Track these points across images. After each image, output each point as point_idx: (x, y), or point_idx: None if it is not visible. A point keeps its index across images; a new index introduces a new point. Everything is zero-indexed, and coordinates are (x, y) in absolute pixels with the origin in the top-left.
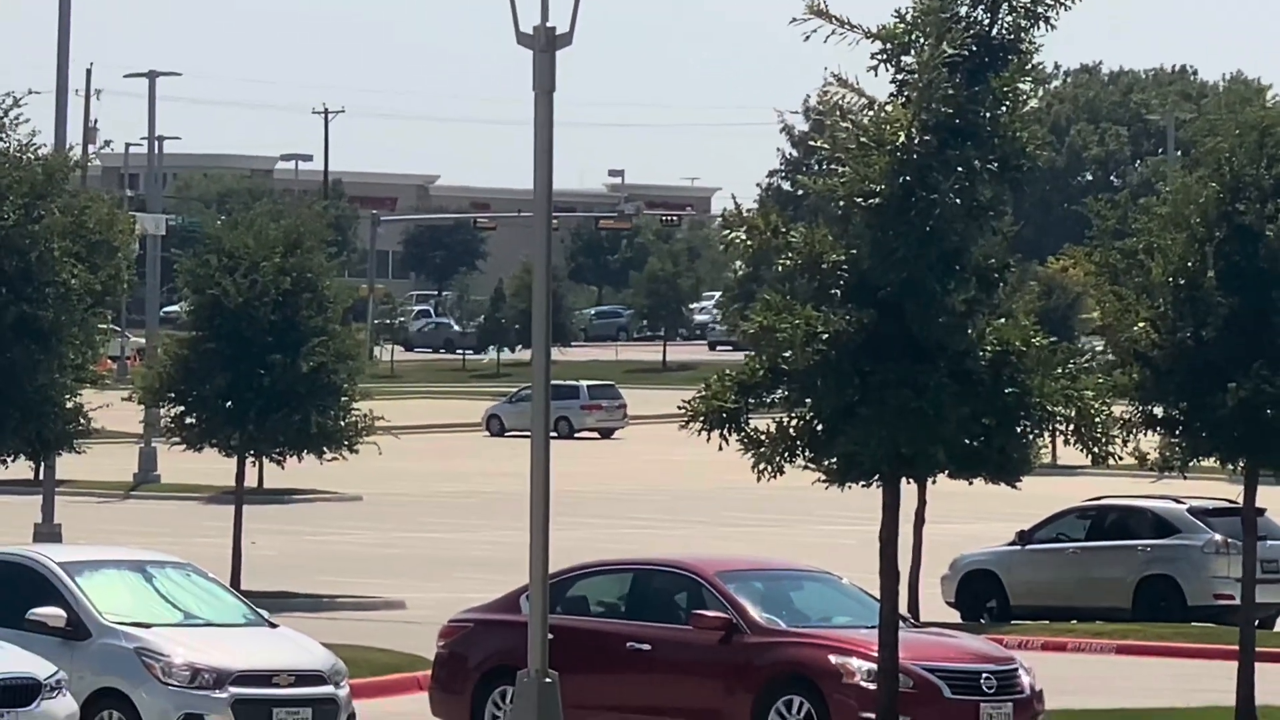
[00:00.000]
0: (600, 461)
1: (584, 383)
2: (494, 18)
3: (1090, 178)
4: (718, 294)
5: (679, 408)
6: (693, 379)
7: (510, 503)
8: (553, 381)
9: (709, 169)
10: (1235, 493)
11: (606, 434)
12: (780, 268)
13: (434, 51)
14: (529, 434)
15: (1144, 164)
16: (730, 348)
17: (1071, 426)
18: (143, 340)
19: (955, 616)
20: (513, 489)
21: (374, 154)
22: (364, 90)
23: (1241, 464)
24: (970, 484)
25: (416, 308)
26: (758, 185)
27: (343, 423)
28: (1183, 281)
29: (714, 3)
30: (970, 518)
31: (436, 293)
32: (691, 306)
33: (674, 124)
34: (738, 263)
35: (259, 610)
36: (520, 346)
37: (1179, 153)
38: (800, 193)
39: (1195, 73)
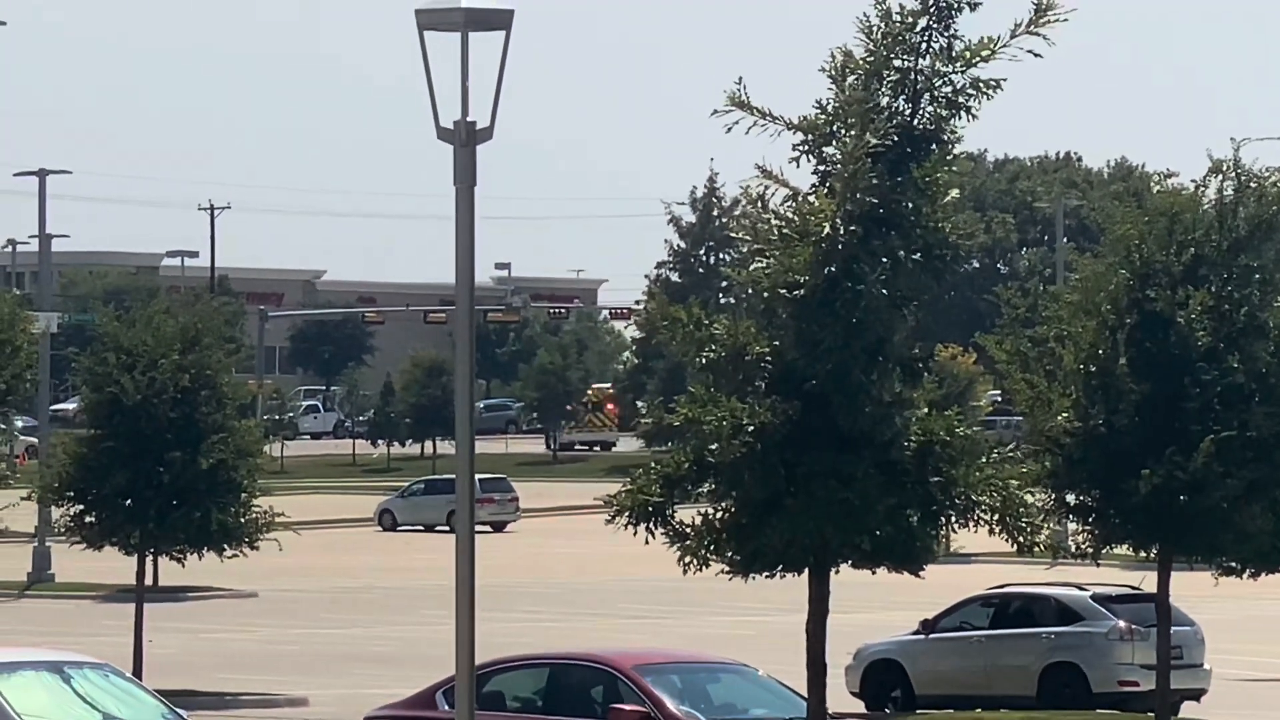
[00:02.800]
0: (494, 555)
1: (476, 476)
2: (382, 112)
3: (977, 265)
4: (606, 385)
5: (601, 501)
6: (584, 470)
7: (405, 597)
8: (445, 475)
9: (595, 261)
10: (1132, 579)
11: (499, 527)
12: (704, 360)
13: (320, 147)
14: (422, 528)
15: (1031, 251)
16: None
17: (996, 515)
18: (33, 439)
19: (859, 706)
20: (407, 584)
21: (260, 249)
22: (251, 186)
23: (1155, 550)
24: (873, 573)
25: (305, 403)
26: (645, 277)
27: (243, 519)
28: (1094, 368)
29: (596, 93)
30: (871, 607)
31: (325, 387)
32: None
33: (559, 216)
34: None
35: (177, 710)
36: (410, 440)
37: (1066, 240)
38: (695, 284)
39: (1080, 160)
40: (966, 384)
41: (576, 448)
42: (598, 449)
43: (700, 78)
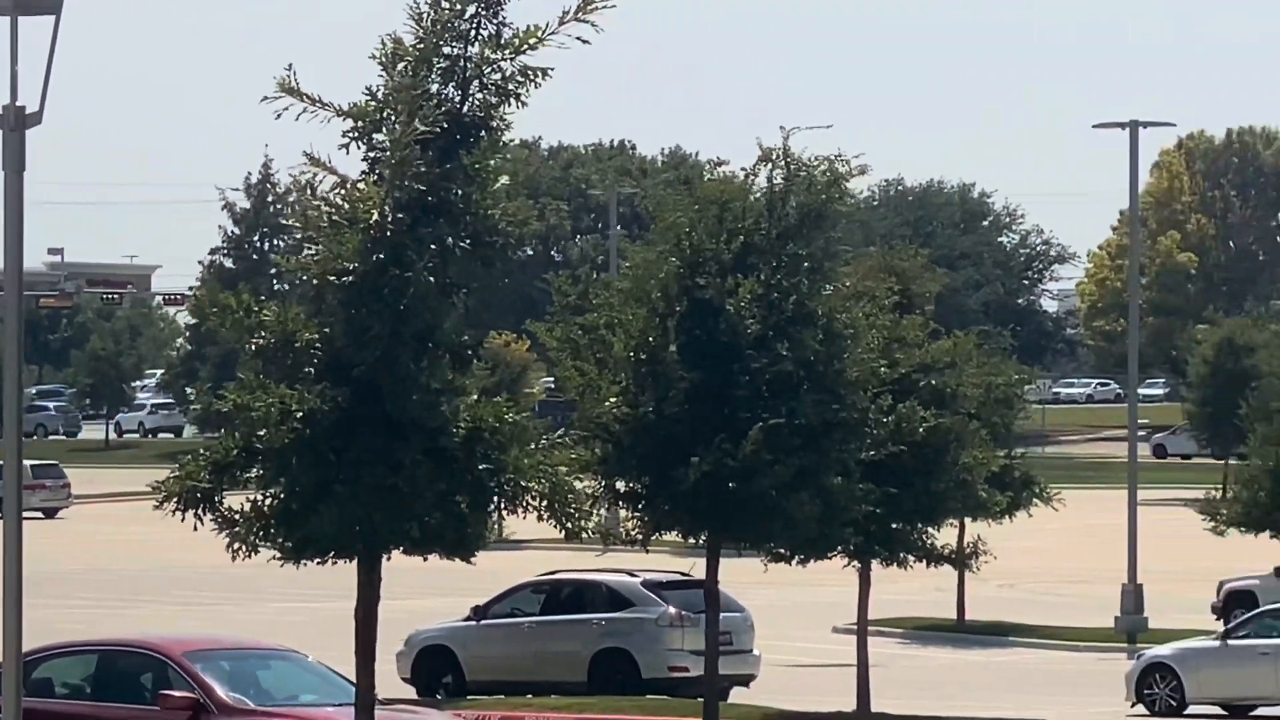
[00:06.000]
0: (46, 541)
1: (27, 462)
2: None
3: (531, 252)
4: (159, 372)
5: (150, 487)
6: (136, 458)
7: None
8: None
9: (151, 247)
10: (684, 566)
11: (50, 514)
12: (253, 346)
13: None
14: None
15: (585, 238)
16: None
17: (544, 502)
18: None
19: (411, 692)
20: None
21: None
22: None
23: (704, 537)
24: (425, 559)
25: None
26: (200, 263)
27: None
28: (644, 356)
29: (155, 76)
30: (425, 593)
31: None
32: (134, 384)
33: (113, 201)
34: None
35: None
36: None
37: (621, 228)
38: (250, 270)
39: (634, 148)
40: (520, 371)
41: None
42: (170, 435)
43: (258, 63)
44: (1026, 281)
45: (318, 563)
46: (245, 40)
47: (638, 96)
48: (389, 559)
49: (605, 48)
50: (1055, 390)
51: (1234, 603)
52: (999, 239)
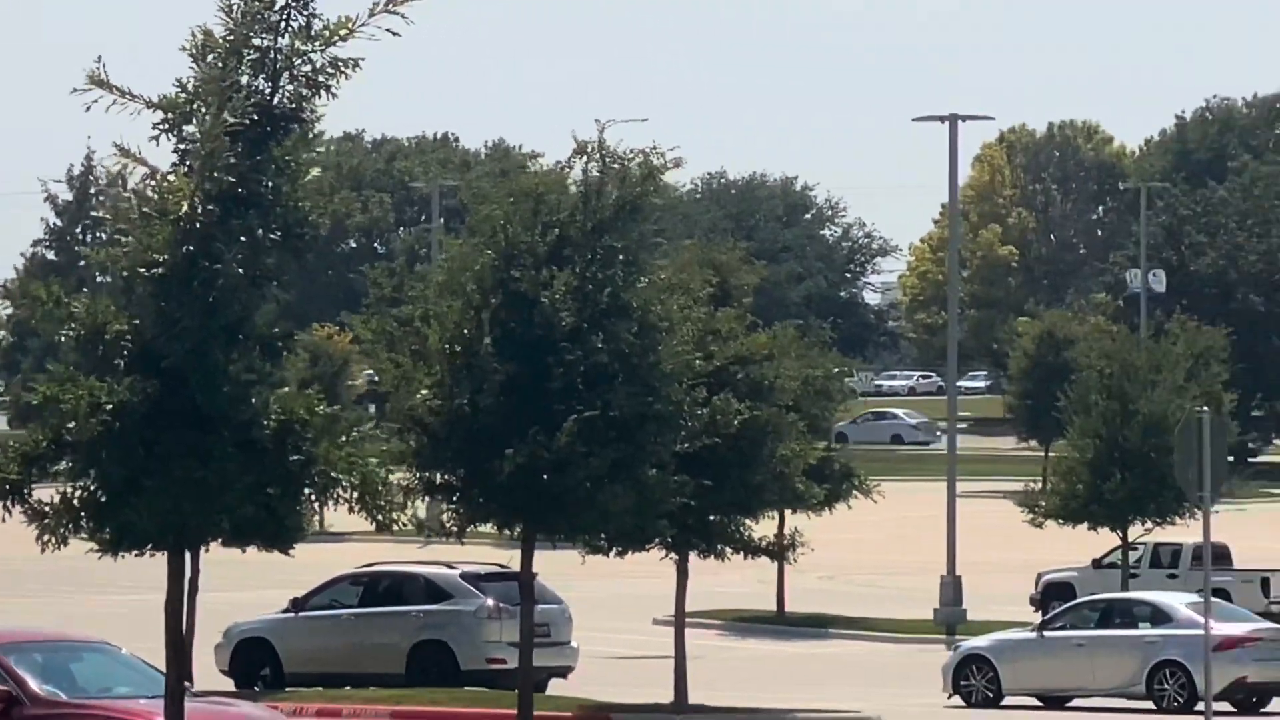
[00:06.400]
0: None
1: None
2: None
3: (354, 245)
4: None
5: None
6: None
7: None
8: None
9: None
10: (507, 558)
11: None
12: (64, 338)
13: None
14: None
15: (408, 231)
16: None
17: (355, 494)
18: None
19: (229, 684)
20: None
21: None
22: None
23: (519, 529)
24: (244, 552)
25: None
26: (21, 255)
27: None
28: (459, 348)
29: None
30: (243, 585)
31: None
32: None
33: None
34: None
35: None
36: None
37: (442, 220)
38: (71, 262)
39: (458, 140)
40: (342, 363)
41: None
42: None
43: (81, 53)
44: (849, 274)
45: (135, 555)
46: (67, 30)
47: (461, 89)
48: (208, 551)
49: (430, 40)
50: (877, 383)
51: (1052, 594)
52: (821, 232)
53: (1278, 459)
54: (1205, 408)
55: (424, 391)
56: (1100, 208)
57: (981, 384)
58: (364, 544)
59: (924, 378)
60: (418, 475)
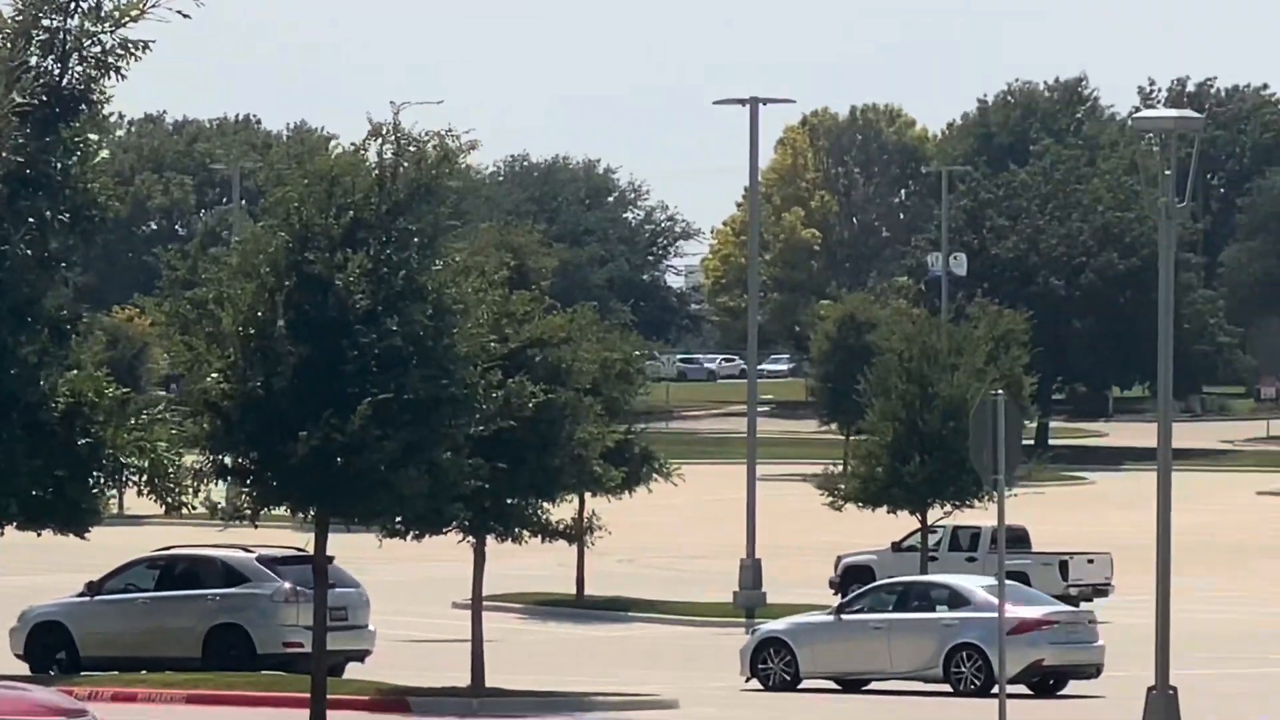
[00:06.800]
0: None
1: None
2: None
3: (155, 227)
4: None
5: None
6: None
7: None
8: None
9: None
10: (304, 541)
11: None
12: None
13: None
14: None
15: (209, 213)
16: None
17: (144, 477)
18: None
19: (24, 669)
20: None
21: None
22: None
23: (313, 512)
24: (39, 535)
25: None
26: None
27: None
28: (253, 331)
29: None
30: (39, 569)
31: None
32: None
33: None
34: None
35: None
36: None
37: (244, 203)
38: None
39: (260, 122)
40: (142, 346)
41: None
42: None
43: None
44: (651, 258)
45: None
46: None
47: (263, 71)
48: (2, 534)
49: (233, 21)
50: (680, 366)
51: (851, 577)
52: (624, 215)
53: (1077, 442)
54: (1001, 391)
55: (215, 374)
56: (902, 191)
57: (784, 367)
58: (163, 528)
59: (726, 360)
60: (211, 458)
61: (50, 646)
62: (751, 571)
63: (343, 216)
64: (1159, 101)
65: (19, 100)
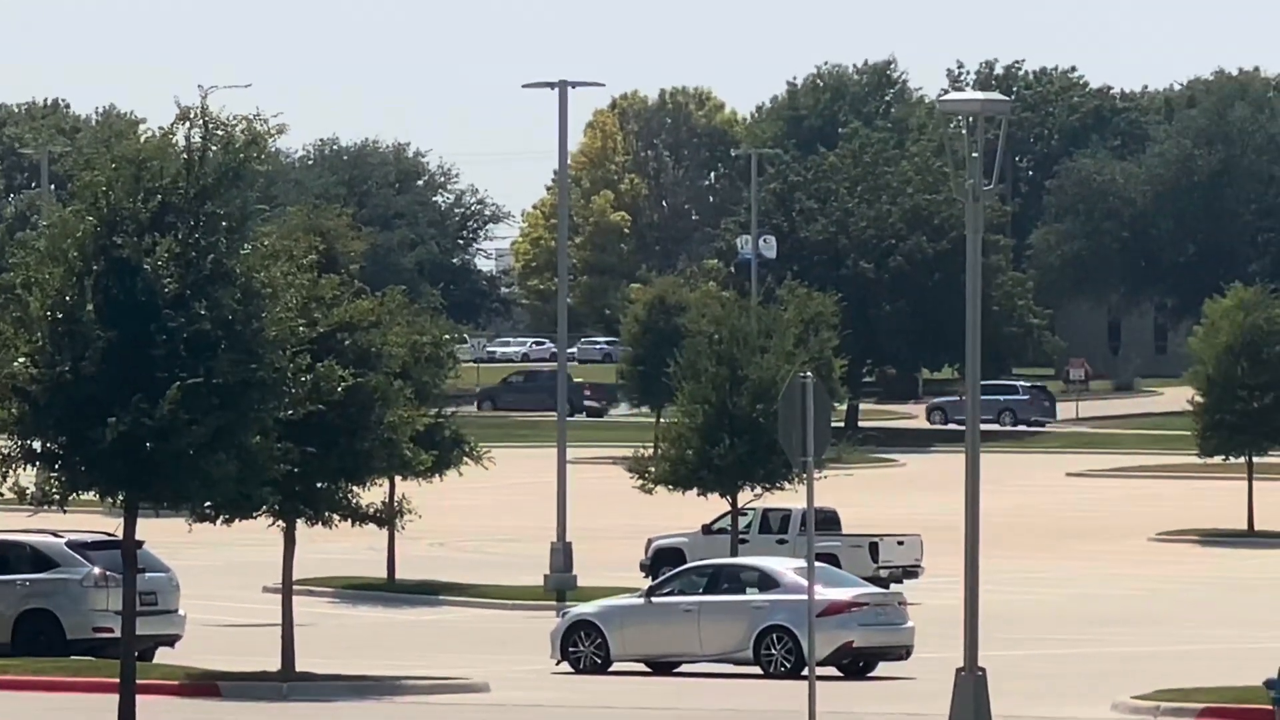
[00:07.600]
0: None
1: None
2: None
3: None
4: None
5: None
6: None
7: None
8: None
9: None
10: (114, 526)
11: None
12: None
13: None
14: None
15: (17, 198)
16: None
17: None
18: None
19: None
20: None
21: None
22: None
23: (121, 497)
24: None
25: None
26: None
27: None
28: (61, 315)
29: None
30: None
31: None
32: None
33: None
34: None
35: None
36: None
37: (54, 187)
38: None
39: (69, 106)
40: None
41: None
42: None
43: None
44: (461, 241)
45: None
46: None
47: (72, 55)
48: None
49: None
50: (491, 349)
51: (662, 560)
52: (434, 199)
53: (887, 424)
54: (809, 374)
55: (23, 359)
56: (712, 174)
57: (597, 350)
58: None
59: (537, 344)
60: (19, 443)
61: None
62: (562, 555)
63: (151, 200)
64: (967, 84)
65: None
